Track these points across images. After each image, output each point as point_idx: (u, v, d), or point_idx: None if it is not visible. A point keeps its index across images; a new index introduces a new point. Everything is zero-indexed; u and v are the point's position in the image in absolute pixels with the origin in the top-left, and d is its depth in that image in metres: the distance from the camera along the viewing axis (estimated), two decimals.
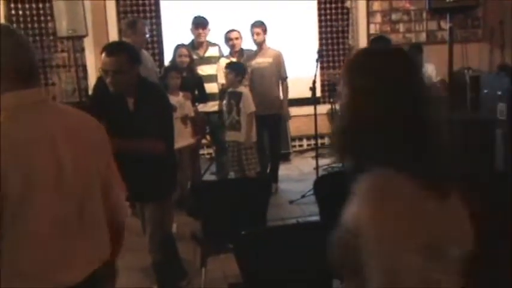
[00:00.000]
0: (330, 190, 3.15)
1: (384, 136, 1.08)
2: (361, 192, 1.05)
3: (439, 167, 1.10)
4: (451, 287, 1.13)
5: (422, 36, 6.75)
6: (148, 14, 6.36)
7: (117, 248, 1.65)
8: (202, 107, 5.00)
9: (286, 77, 5.13)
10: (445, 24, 4.24)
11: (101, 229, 1.52)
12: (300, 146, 6.75)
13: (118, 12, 6.24)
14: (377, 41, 4.44)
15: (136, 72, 2.77)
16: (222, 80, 4.93)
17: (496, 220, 2.75)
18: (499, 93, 4.68)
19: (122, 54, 2.67)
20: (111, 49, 2.72)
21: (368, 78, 1.11)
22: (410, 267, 1.03)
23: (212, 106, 5.11)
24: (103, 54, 2.69)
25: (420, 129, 1.08)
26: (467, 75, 5.91)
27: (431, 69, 5.86)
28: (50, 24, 5.94)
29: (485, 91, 5.07)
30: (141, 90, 2.76)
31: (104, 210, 1.53)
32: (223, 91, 4.93)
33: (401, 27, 6.79)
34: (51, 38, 6.09)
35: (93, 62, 6.05)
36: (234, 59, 5.03)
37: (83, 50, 6.06)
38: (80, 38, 5.51)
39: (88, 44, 6.00)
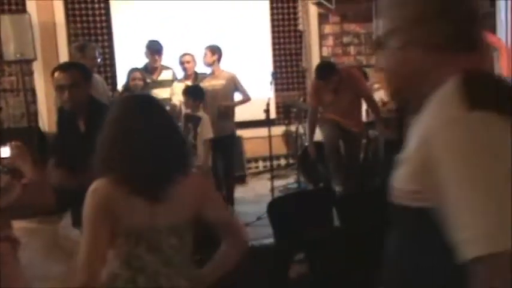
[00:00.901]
0: (284, 212, 3.18)
1: (106, 157, 1.60)
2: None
3: (148, 176, 1.57)
4: (166, 270, 1.59)
5: (373, 59, 6.96)
6: (100, 38, 6.27)
7: None
8: None
9: (249, 98, 5.17)
10: None
11: None
12: (256, 167, 6.76)
13: (69, 35, 6.13)
14: (321, 68, 4.62)
15: (88, 91, 2.79)
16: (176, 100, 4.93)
17: None
18: None
19: (75, 69, 2.76)
20: (63, 66, 2.82)
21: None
22: (118, 250, 1.57)
23: None
24: (56, 73, 2.72)
25: (131, 155, 1.57)
26: None
27: (381, 92, 6.02)
28: None
29: None
30: (92, 110, 2.74)
31: None
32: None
33: (352, 50, 6.99)
34: None
35: (42, 86, 5.89)
36: (188, 82, 5.03)
37: (31, 73, 5.90)
38: (29, 61, 5.38)
39: (37, 67, 5.84)
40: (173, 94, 4.99)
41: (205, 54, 5.10)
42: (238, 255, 1.74)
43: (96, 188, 1.57)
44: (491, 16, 4.73)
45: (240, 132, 5.73)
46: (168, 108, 4.97)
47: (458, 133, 0.88)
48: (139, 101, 1.72)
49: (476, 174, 0.86)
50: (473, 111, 0.88)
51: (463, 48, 0.99)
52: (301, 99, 6.54)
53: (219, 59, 5.15)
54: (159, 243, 1.60)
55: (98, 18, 6.28)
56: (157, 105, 1.71)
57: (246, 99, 5.19)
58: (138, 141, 1.58)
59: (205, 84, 5.02)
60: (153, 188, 1.57)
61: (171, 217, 1.60)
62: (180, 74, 5.25)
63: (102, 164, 1.61)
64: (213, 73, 5.15)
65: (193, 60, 5.18)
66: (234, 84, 5.15)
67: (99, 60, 4.92)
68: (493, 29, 4.54)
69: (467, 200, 0.86)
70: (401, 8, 1.02)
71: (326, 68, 4.56)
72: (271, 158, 5.15)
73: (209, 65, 5.14)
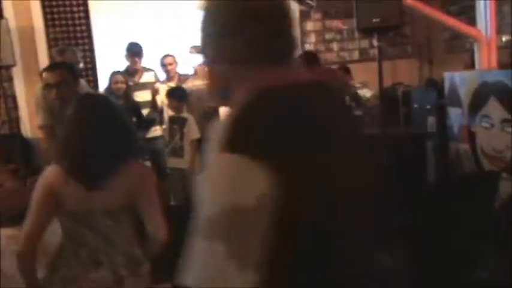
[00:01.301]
0: None
1: (58, 148, 1.89)
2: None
3: (88, 167, 1.80)
4: (104, 247, 1.85)
5: (355, 54, 6.98)
6: (80, 41, 6.20)
7: None
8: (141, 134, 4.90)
9: None
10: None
11: None
12: None
13: (48, 40, 6.05)
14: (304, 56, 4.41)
15: (75, 89, 2.88)
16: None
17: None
18: (428, 107, 4.88)
19: (62, 67, 2.92)
20: (52, 65, 3.00)
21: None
22: (62, 225, 1.87)
23: (153, 131, 5.03)
24: (44, 73, 2.91)
25: (75, 148, 1.82)
26: (399, 90, 6.14)
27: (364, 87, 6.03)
28: None
29: (416, 105, 5.29)
30: None
31: None
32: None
33: (335, 46, 6.99)
34: None
35: (23, 92, 5.82)
36: (172, 84, 4.99)
37: (11, 79, 5.82)
38: (8, 67, 5.29)
39: (17, 73, 5.76)
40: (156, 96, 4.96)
41: (190, 52, 5.06)
42: (158, 249, 1.94)
43: (46, 174, 1.84)
44: (472, 9, 4.76)
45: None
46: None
47: (210, 171, 0.93)
48: (91, 101, 1.99)
49: (211, 217, 0.89)
50: (229, 153, 0.89)
51: (265, 63, 1.03)
52: None
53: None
54: (95, 223, 1.85)
55: (77, 22, 6.20)
56: (108, 104, 1.95)
57: None
58: (82, 136, 1.83)
59: (189, 84, 4.99)
60: (91, 177, 1.82)
61: (106, 202, 1.85)
62: (162, 75, 5.21)
63: (59, 152, 1.89)
64: (196, 73, 5.12)
65: (175, 62, 5.15)
66: None
67: (81, 64, 4.86)
68: (472, 22, 4.56)
69: (198, 235, 0.90)
70: (208, 24, 1.10)
71: (310, 55, 4.37)
72: None
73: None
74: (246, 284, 0.86)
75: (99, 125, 1.84)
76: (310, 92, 1.04)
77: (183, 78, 5.18)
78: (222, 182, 0.89)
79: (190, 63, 5.18)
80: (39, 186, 1.83)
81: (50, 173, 1.84)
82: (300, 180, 0.89)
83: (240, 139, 0.90)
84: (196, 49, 5.10)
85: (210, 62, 1.11)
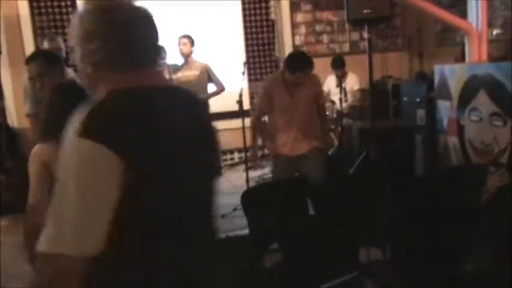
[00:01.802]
0: (258, 202, 3.15)
1: (44, 126, 2.08)
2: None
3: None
4: None
5: (346, 47, 6.94)
6: (67, 30, 6.09)
7: None
8: None
9: (224, 88, 5.12)
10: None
11: None
12: (232, 159, 6.72)
13: (34, 29, 5.96)
14: (292, 57, 3.86)
15: (59, 75, 2.87)
16: None
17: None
18: (418, 100, 4.88)
19: (37, 58, 2.91)
20: (29, 57, 2.98)
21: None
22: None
23: None
24: (27, 65, 2.91)
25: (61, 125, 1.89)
26: (389, 83, 6.13)
27: (354, 79, 6.01)
28: None
29: (405, 98, 5.28)
30: None
31: None
32: None
33: (325, 38, 6.95)
34: None
35: (9, 81, 5.73)
36: None
37: None
38: None
39: (3, 61, 5.67)
40: None
41: (184, 44, 5.01)
42: None
43: (36, 151, 2.03)
44: (463, 1, 4.75)
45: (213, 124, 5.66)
46: None
47: (68, 152, 1.08)
48: (65, 87, 2.20)
49: (68, 190, 1.05)
50: (84, 138, 1.04)
51: (122, 67, 1.17)
52: None
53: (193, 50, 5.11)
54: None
55: (64, 10, 6.11)
56: (79, 89, 2.08)
57: (221, 89, 5.13)
58: (63, 117, 1.89)
59: (179, 75, 4.94)
60: None
61: None
62: None
63: (42, 132, 2.06)
64: (186, 64, 5.06)
65: (164, 52, 5.09)
66: (208, 75, 5.08)
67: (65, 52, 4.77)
68: (463, 14, 4.55)
69: (56, 206, 1.07)
70: (74, 28, 1.20)
71: (299, 56, 3.85)
72: (245, 149, 5.11)
73: (187, 55, 5.04)
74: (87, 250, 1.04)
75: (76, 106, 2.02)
76: (154, 94, 1.18)
77: (174, 68, 5.12)
78: (71, 161, 1.06)
79: (179, 53, 5.13)
80: (32, 164, 2.00)
81: (40, 150, 2.02)
82: (136, 160, 1.07)
83: (89, 127, 1.05)
84: (190, 39, 5.05)
85: (79, 63, 1.21)
